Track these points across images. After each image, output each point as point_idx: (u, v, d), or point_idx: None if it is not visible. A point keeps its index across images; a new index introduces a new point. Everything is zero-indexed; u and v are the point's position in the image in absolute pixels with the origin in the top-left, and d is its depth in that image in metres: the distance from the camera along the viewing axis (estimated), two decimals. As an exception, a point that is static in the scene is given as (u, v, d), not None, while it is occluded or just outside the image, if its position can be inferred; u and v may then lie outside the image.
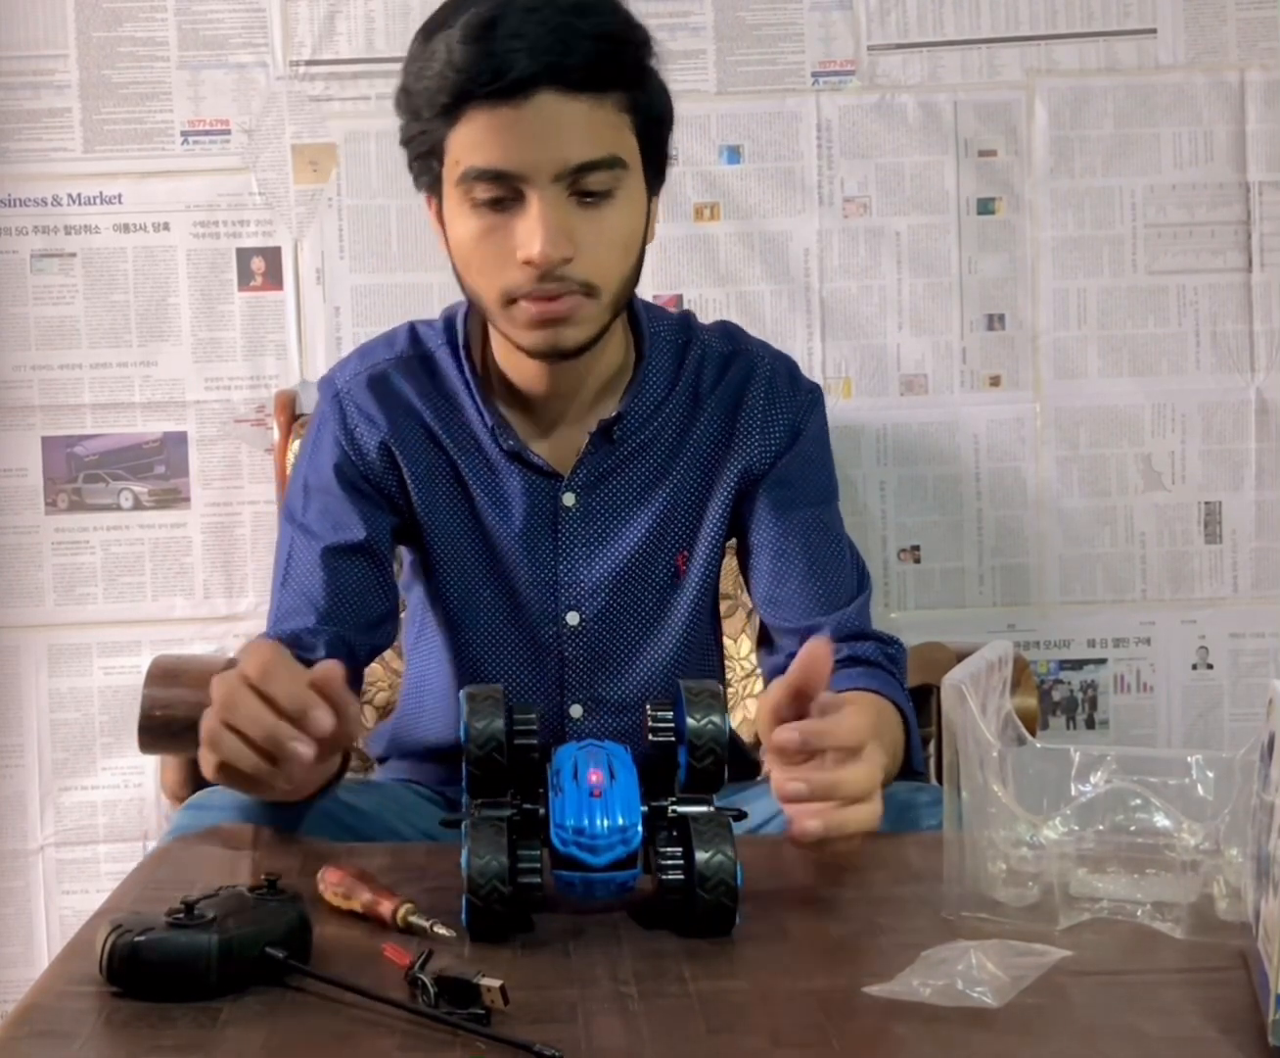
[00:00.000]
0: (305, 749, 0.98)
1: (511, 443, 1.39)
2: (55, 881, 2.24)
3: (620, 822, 0.96)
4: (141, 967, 0.85)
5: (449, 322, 1.45)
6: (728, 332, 1.49)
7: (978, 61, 2.24)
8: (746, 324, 1.55)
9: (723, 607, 1.60)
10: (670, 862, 0.97)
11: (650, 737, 1.04)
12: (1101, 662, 2.29)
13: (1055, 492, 2.27)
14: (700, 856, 0.95)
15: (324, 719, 0.98)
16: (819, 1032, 0.82)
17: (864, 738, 1.02)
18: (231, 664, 1.90)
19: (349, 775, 1.43)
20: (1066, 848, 0.97)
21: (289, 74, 2.21)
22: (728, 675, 1.73)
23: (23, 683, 2.23)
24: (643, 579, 1.43)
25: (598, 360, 1.38)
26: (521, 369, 1.38)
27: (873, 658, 1.37)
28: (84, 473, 2.22)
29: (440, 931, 0.94)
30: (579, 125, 1.24)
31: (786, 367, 1.48)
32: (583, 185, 1.25)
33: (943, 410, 2.26)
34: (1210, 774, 1.01)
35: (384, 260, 2.22)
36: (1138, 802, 0.99)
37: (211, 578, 2.23)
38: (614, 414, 1.39)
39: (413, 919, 0.96)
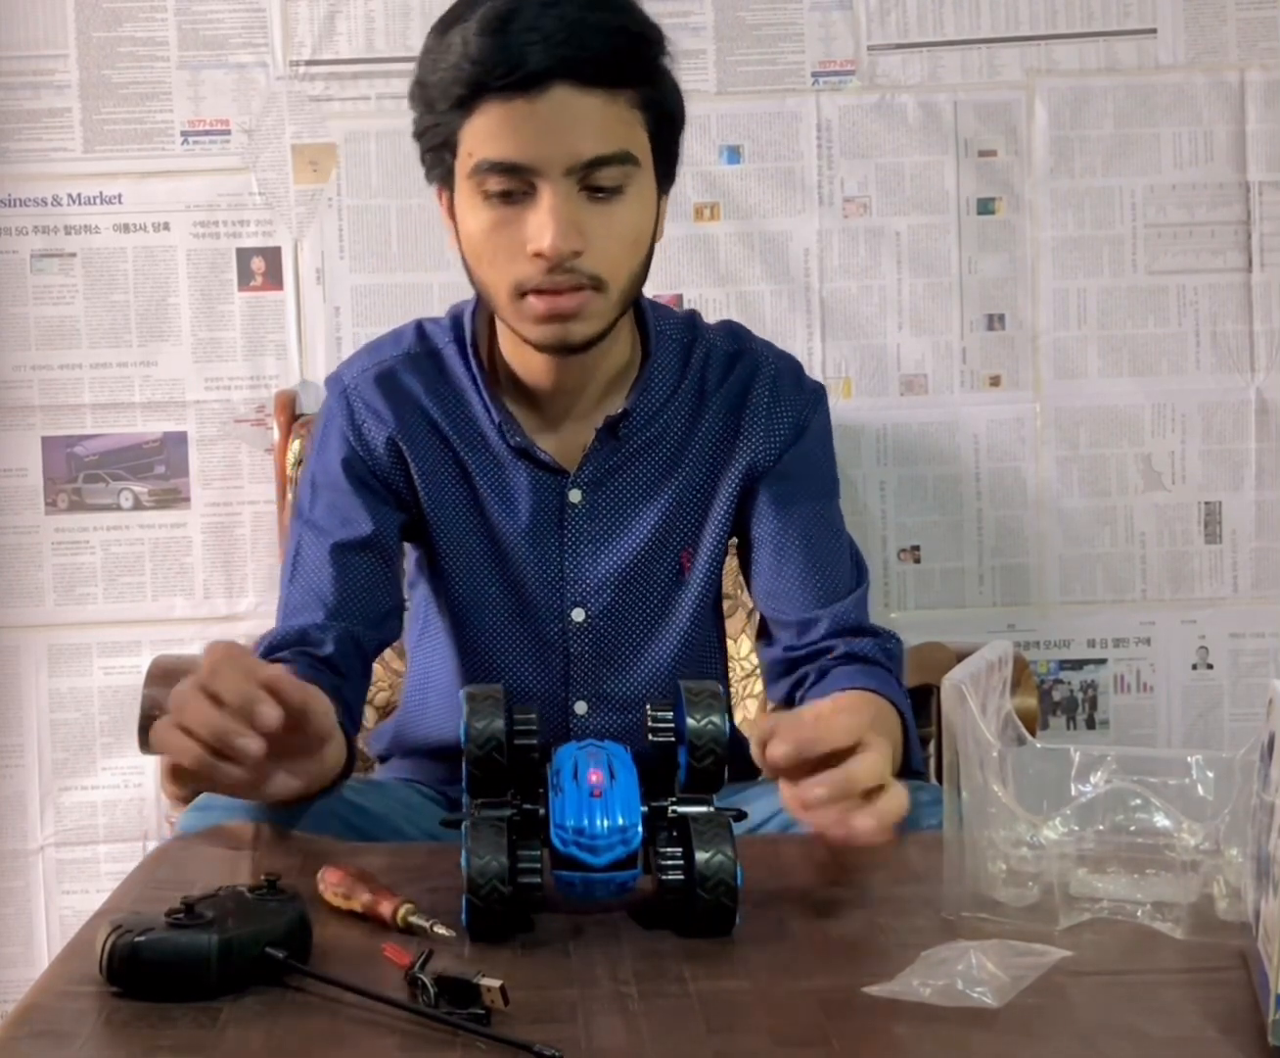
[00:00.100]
0: (253, 744, 0.98)
1: (519, 439, 1.40)
2: (55, 881, 2.24)
3: (620, 822, 0.96)
4: (141, 967, 0.85)
5: (456, 319, 1.45)
6: (732, 331, 1.50)
7: (978, 61, 2.24)
8: (747, 324, 1.55)
9: (723, 606, 1.60)
10: (670, 862, 0.97)
11: (650, 737, 1.04)
12: (1101, 662, 2.29)
13: (1055, 492, 2.27)
14: (700, 856, 0.95)
15: (270, 714, 0.98)
16: (819, 1032, 0.82)
17: (859, 733, 1.02)
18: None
19: (354, 776, 1.43)
20: (1067, 848, 0.97)
21: (289, 74, 2.21)
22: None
23: (23, 683, 2.23)
24: (648, 576, 1.44)
25: (604, 356, 1.38)
26: (529, 364, 1.38)
27: (870, 655, 1.37)
28: (84, 473, 2.22)
29: (440, 931, 0.94)
30: (592, 120, 1.25)
31: (790, 366, 1.49)
32: (594, 180, 1.26)
33: (943, 410, 2.26)
34: (1210, 774, 1.01)
35: (384, 260, 2.22)
36: (1137, 802, 0.99)
37: (211, 578, 2.23)
38: (620, 411, 1.40)
39: (413, 919, 0.96)
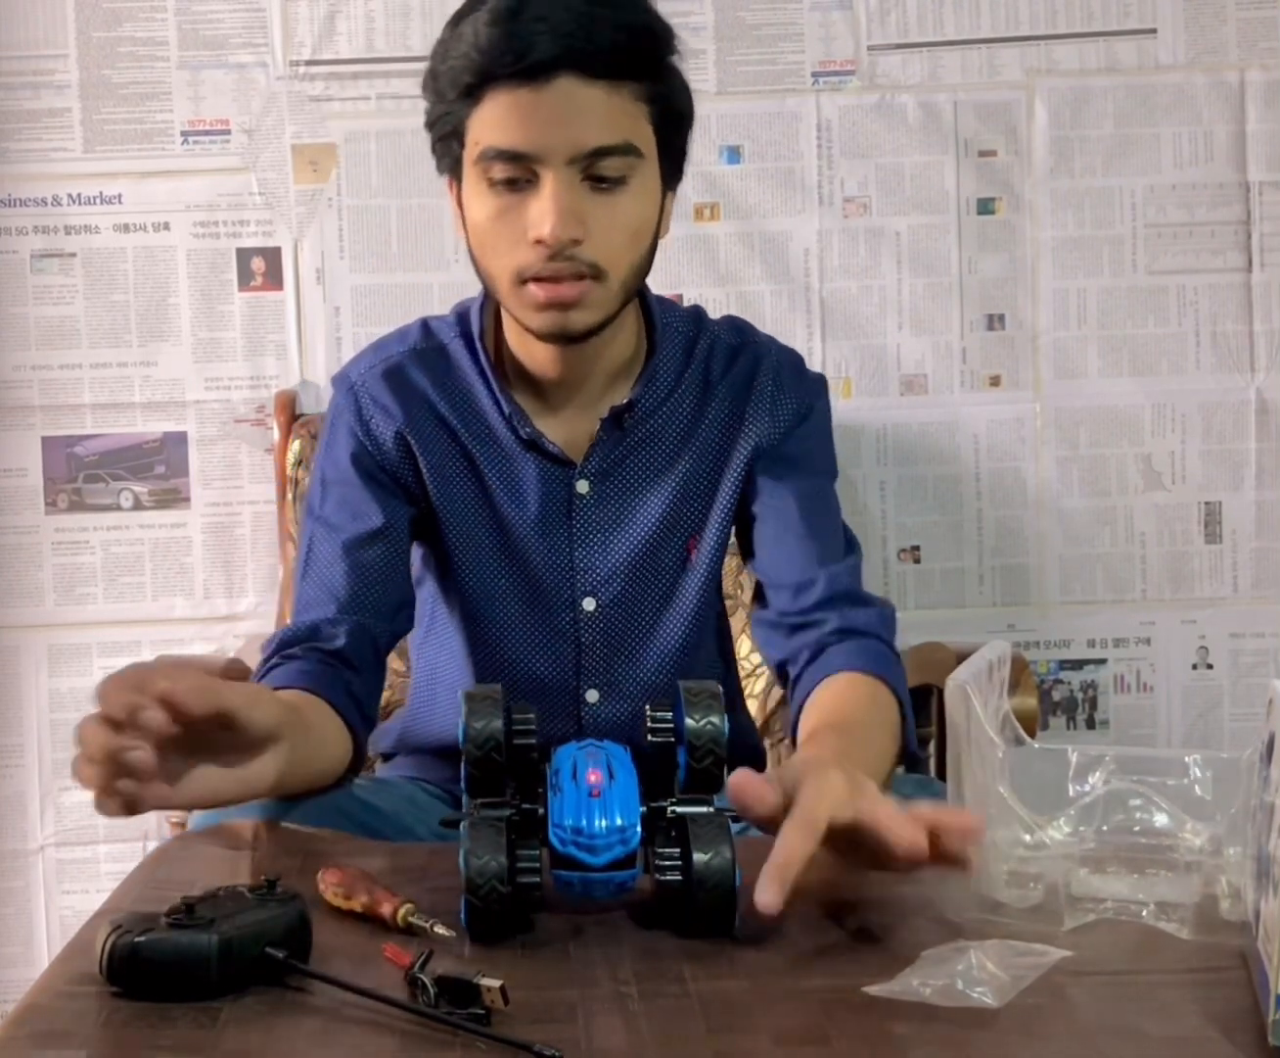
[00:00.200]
0: (138, 755, 0.96)
1: (528, 430, 1.41)
2: (55, 881, 2.24)
3: (619, 822, 0.96)
4: (141, 967, 0.85)
5: (462, 315, 1.46)
6: (736, 325, 1.51)
7: (978, 61, 2.24)
8: (747, 324, 1.56)
9: (724, 600, 1.60)
10: (668, 863, 0.97)
11: (649, 737, 1.04)
12: (1101, 662, 2.29)
13: (1055, 492, 2.27)
14: (699, 857, 0.95)
15: (151, 718, 0.96)
16: (819, 1032, 0.82)
17: (820, 801, 0.97)
18: (233, 664, 1.91)
19: (362, 774, 1.43)
20: (1070, 849, 0.97)
21: (289, 74, 2.21)
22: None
23: (23, 683, 2.23)
24: (656, 563, 1.45)
25: (608, 347, 1.39)
26: (533, 354, 1.39)
27: (866, 628, 1.37)
28: (84, 473, 2.22)
29: (440, 931, 0.94)
30: (597, 110, 1.26)
31: (793, 358, 1.51)
32: (597, 170, 1.28)
33: (943, 410, 2.26)
34: (1209, 774, 1.01)
35: (384, 260, 2.22)
36: (1137, 802, 0.99)
37: (211, 578, 2.23)
38: (625, 401, 1.41)
39: (413, 919, 0.96)
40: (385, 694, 1.92)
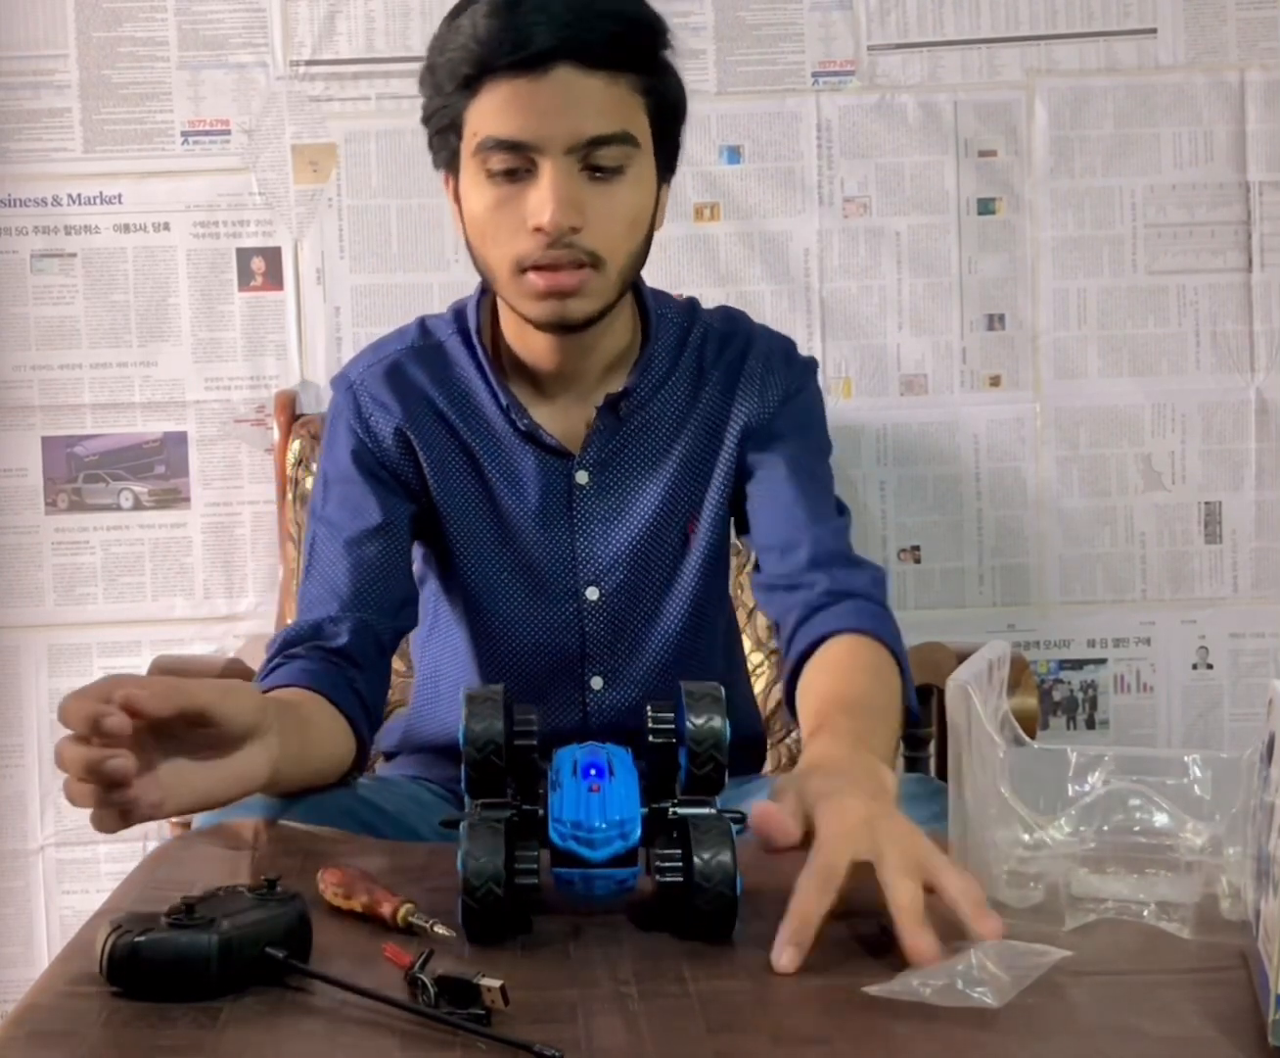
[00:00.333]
0: (120, 761, 0.95)
1: (526, 422, 1.42)
2: (55, 881, 2.24)
3: (618, 817, 0.96)
4: (141, 967, 0.85)
5: (459, 312, 1.48)
6: (729, 314, 1.53)
7: (978, 61, 2.24)
8: (746, 324, 1.56)
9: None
10: (669, 864, 0.97)
11: (650, 738, 1.04)
12: (1101, 662, 2.29)
13: (1055, 492, 2.27)
14: (699, 859, 0.95)
15: (113, 723, 0.95)
16: (819, 1032, 0.82)
17: (838, 846, 0.95)
18: (232, 664, 1.91)
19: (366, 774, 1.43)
20: (1071, 849, 0.97)
21: (289, 74, 2.21)
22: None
23: (23, 683, 2.23)
24: (657, 549, 1.46)
25: (604, 337, 1.40)
26: (531, 345, 1.40)
27: (858, 588, 1.37)
28: (84, 473, 2.22)
29: (440, 931, 0.94)
30: (594, 100, 1.28)
31: (783, 343, 1.52)
32: (595, 159, 1.29)
33: (943, 410, 2.26)
34: (1209, 774, 1.01)
35: (384, 260, 2.22)
36: (1137, 802, 0.99)
37: (211, 578, 2.23)
38: (620, 389, 1.42)
39: (413, 919, 0.96)
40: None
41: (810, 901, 0.91)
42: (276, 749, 1.10)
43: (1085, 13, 2.24)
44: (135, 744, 0.97)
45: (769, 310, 2.21)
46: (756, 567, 1.46)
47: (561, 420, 1.43)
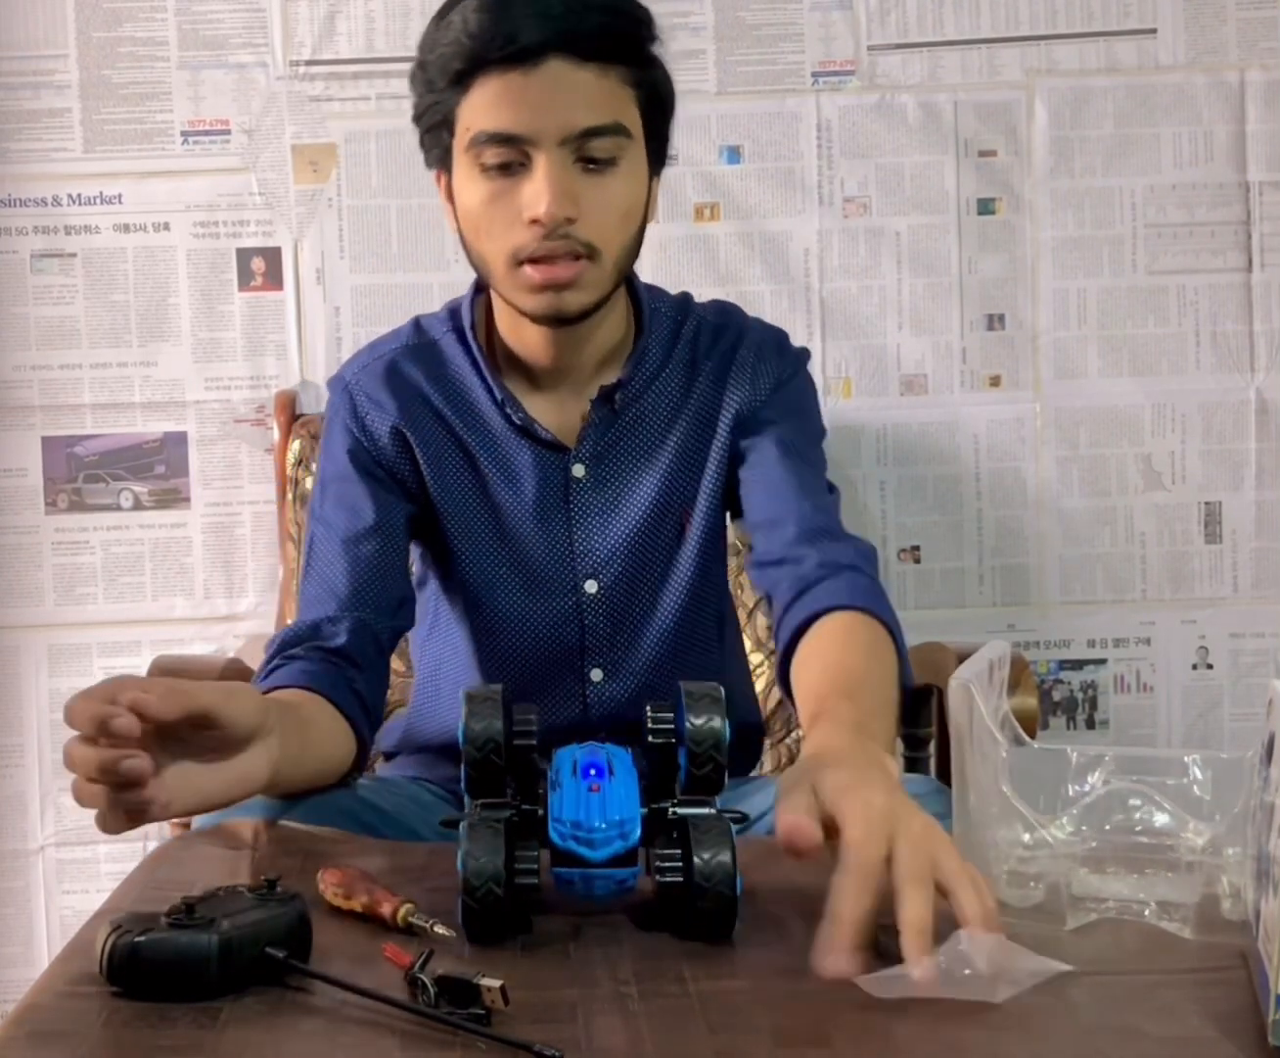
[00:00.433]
0: (137, 762, 0.96)
1: (521, 416, 1.42)
2: (55, 881, 2.24)
3: (618, 817, 0.96)
4: (141, 967, 0.85)
5: (453, 310, 1.49)
6: (722, 307, 1.53)
7: (978, 61, 2.24)
8: (746, 324, 1.56)
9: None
10: (669, 864, 0.97)
11: (650, 738, 1.04)
12: (1101, 662, 2.29)
13: (1055, 492, 2.27)
14: (699, 859, 0.95)
15: (122, 724, 0.96)
16: (819, 1031, 0.82)
17: (868, 842, 0.92)
18: (232, 665, 1.91)
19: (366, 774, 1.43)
20: (1072, 848, 0.97)
21: (289, 74, 2.21)
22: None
23: (23, 683, 2.23)
24: (654, 541, 1.46)
25: (599, 330, 1.41)
26: (526, 340, 1.41)
27: (848, 562, 1.35)
28: (84, 473, 2.22)
29: (440, 931, 0.94)
30: (586, 92, 1.29)
31: (775, 334, 1.52)
32: (588, 151, 1.30)
33: (943, 410, 2.26)
34: (1209, 774, 1.01)
35: (384, 260, 2.22)
36: (1137, 802, 0.99)
37: (211, 578, 2.23)
38: (615, 381, 1.42)
39: (413, 919, 0.96)
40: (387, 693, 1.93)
41: (850, 901, 0.88)
42: (277, 751, 1.10)
43: (1085, 13, 2.24)
44: (141, 746, 0.97)
45: (769, 310, 2.21)
46: (750, 548, 1.46)
47: (557, 415, 1.44)
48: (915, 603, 2.26)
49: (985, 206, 2.25)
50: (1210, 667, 2.29)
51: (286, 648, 1.32)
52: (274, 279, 2.22)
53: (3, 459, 2.22)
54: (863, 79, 2.23)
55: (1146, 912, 0.97)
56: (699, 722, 1.00)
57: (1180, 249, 2.25)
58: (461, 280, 1.47)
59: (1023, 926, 0.94)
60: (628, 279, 1.43)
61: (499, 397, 1.42)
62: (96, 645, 2.23)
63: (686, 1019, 0.84)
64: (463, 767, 0.99)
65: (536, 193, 1.28)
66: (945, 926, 0.90)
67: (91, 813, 0.99)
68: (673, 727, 1.03)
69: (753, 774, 1.73)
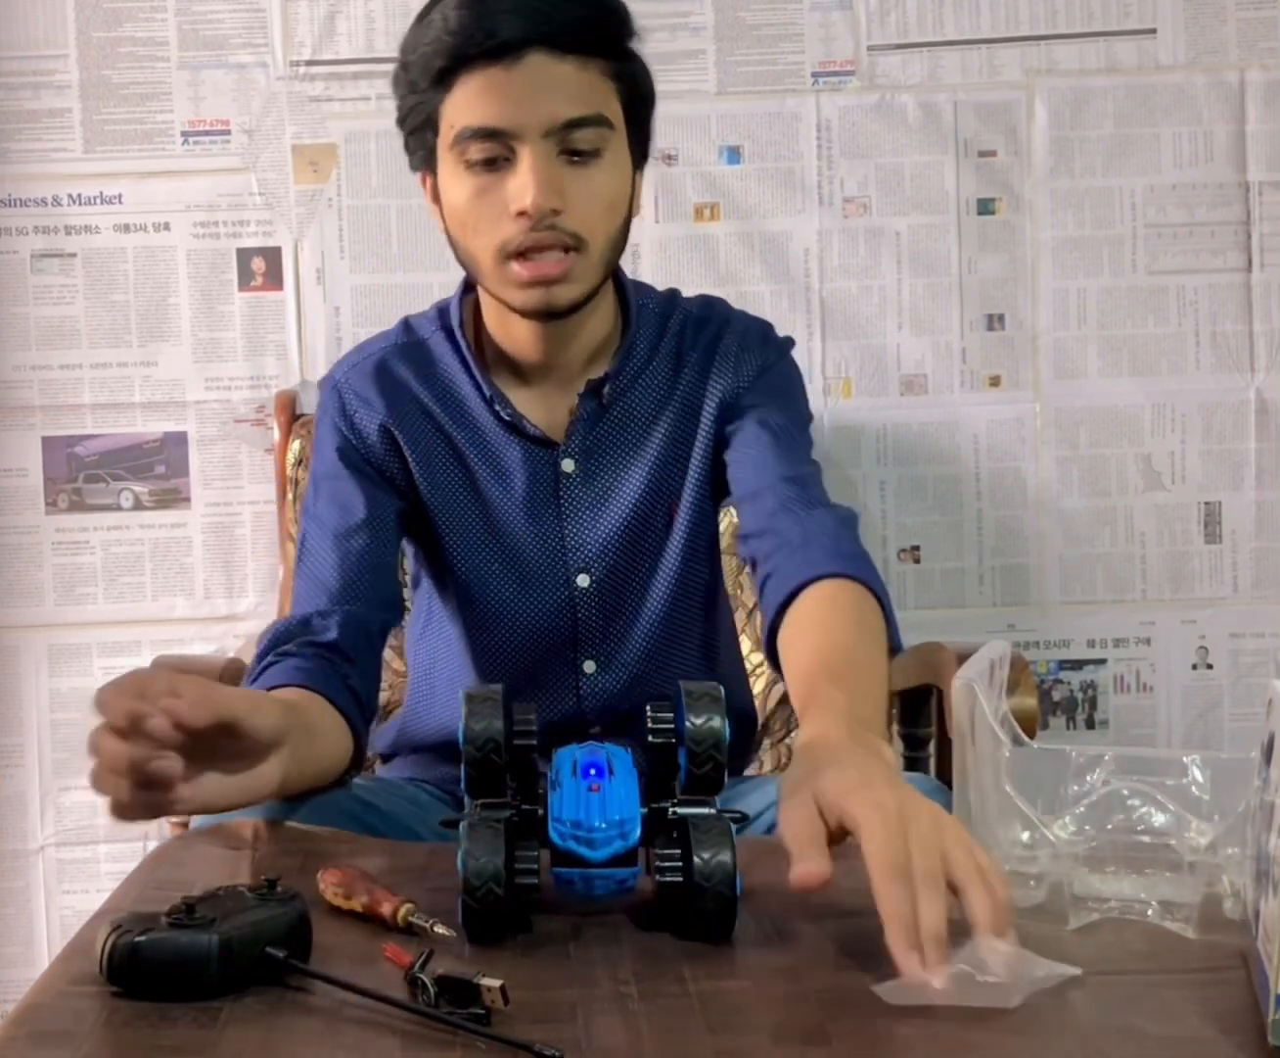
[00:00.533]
0: (169, 765, 0.97)
1: (509, 412, 1.42)
2: (55, 881, 2.24)
3: (618, 817, 0.96)
4: (141, 967, 0.85)
5: (441, 310, 1.50)
6: (708, 301, 1.54)
7: (978, 61, 2.24)
8: (746, 324, 1.56)
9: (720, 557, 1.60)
10: (669, 864, 0.97)
11: (650, 738, 1.04)
12: (1101, 662, 2.29)
13: (1055, 492, 2.27)
14: (699, 859, 0.95)
15: (158, 726, 0.97)
16: (819, 1032, 0.82)
17: (888, 845, 0.90)
18: (231, 665, 1.91)
19: (361, 774, 1.43)
20: (1075, 848, 0.97)
21: (289, 74, 2.21)
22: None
23: (23, 683, 2.23)
24: (644, 533, 1.47)
25: (587, 324, 1.42)
26: (515, 336, 1.41)
27: (830, 530, 1.34)
28: (84, 473, 2.22)
29: (440, 931, 0.94)
30: (568, 84, 1.30)
31: (759, 324, 1.53)
32: (571, 142, 1.31)
33: (943, 410, 2.26)
34: (1208, 774, 1.01)
35: (384, 260, 2.22)
36: (1137, 802, 0.99)
37: (211, 578, 2.23)
38: (602, 374, 1.43)
39: (413, 919, 0.96)
40: (385, 695, 1.93)
41: (897, 905, 0.86)
42: (289, 759, 1.11)
43: (1085, 13, 2.23)
44: (166, 745, 0.98)
45: (769, 310, 2.20)
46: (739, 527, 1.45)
47: (545, 411, 1.44)
48: (915, 603, 2.26)
49: (985, 206, 2.25)
50: (1210, 667, 2.29)
51: (279, 643, 1.33)
52: (274, 279, 2.22)
53: (3, 459, 2.22)
54: (863, 79, 2.23)
55: (1149, 912, 0.97)
56: (699, 722, 1.00)
57: (1180, 249, 2.25)
58: (461, 280, 1.47)
59: (1024, 926, 0.93)
60: (614, 274, 1.44)
61: (487, 393, 1.43)
62: (96, 645, 2.23)
63: (686, 1019, 0.84)
64: (463, 767, 0.99)
65: (522, 185, 1.29)
66: (949, 928, 0.90)
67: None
68: (673, 727, 1.03)
69: (751, 772, 1.73)
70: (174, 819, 1.76)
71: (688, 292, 1.55)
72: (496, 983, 0.82)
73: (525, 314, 1.36)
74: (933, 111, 2.23)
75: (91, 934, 0.89)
